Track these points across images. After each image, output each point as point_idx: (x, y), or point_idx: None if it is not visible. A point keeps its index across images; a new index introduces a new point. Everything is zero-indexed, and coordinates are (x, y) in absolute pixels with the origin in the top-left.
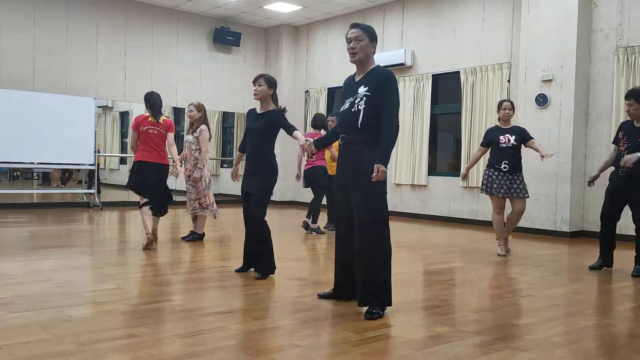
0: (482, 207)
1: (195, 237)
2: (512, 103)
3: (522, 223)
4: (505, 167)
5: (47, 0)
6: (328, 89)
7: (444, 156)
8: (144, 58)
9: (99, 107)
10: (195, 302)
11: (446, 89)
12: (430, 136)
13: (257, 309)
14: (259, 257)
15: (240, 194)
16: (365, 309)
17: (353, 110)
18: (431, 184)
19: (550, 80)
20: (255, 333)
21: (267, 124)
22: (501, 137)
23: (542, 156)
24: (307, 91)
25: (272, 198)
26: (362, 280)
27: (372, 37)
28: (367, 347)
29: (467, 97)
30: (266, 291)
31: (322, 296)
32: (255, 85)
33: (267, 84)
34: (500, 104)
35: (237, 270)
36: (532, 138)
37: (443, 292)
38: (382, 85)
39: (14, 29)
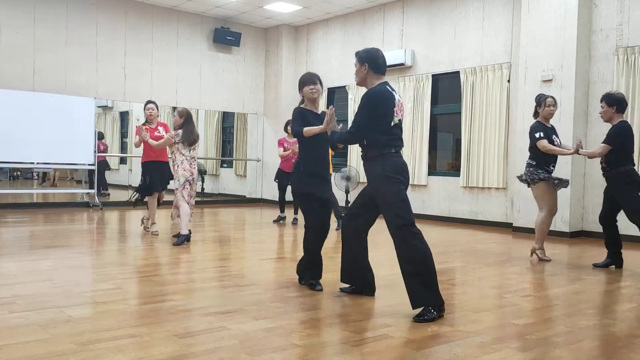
0: (482, 207)
1: (181, 240)
2: (554, 99)
3: (522, 223)
4: (552, 169)
5: (47, 0)
6: (328, 89)
7: (444, 156)
8: (144, 58)
9: (99, 107)
10: (195, 302)
11: (446, 89)
12: (430, 136)
13: (257, 309)
14: (319, 268)
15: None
16: (417, 311)
17: None
18: (431, 184)
19: (550, 80)
20: (255, 333)
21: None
22: (554, 138)
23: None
24: None
25: (275, 197)
26: (407, 283)
27: (362, 60)
28: (367, 347)
29: (467, 97)
30: (266, 291)
31: (343, 290)
32: (316, 85)
33: (321, 84)
34: (543, 100)
35: (319, 289)
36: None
37: (443, 292)
38: (360, 103)
39: (14, 28)
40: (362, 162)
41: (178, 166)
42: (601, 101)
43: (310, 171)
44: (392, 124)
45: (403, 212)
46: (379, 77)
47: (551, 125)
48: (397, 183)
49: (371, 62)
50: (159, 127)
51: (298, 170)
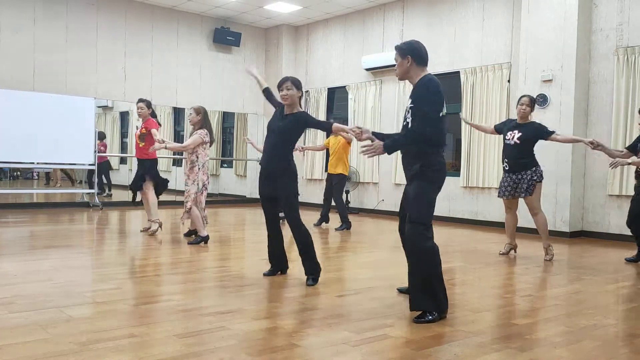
0: (482, 207)
1: (198, 240)
2: (531, 99)
3: (521, 223)
4: (505, 167)
5: (47, 0)
6: (328, 89)
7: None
8: (144, 58)
9: (99, 107)
10: (195, 302)
11: (446, 89)
12: None
13: (257, 309)
14: (305, 262)
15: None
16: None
17: (404, 124)
18: None
19: (550, 80)
20: (255, 333)
21: (291, 123)
22: (509, 133)
23: (590, 143)
24: (307, 91)
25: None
26: (409, 282)
27: (403, 53)
28: (367, 347)
29: (467, 97)
30: (266, 291)
31: (401, 291)
32: (283, 90)
33: (295, 86)
34: (519, 99)
35: (266, 274)
36: (553, 132)
37: None
38: (419, 95)
39: (14, 28)
40: (400, 154)
41: (199, 169)
42: None
43: (261, 168)
44: (441, 114)
45: (422, 211)
46: (422, 69)
47: (534, 124)
48: (431, 183)
49: (414, 54)
50: (143, 125)
51: None
